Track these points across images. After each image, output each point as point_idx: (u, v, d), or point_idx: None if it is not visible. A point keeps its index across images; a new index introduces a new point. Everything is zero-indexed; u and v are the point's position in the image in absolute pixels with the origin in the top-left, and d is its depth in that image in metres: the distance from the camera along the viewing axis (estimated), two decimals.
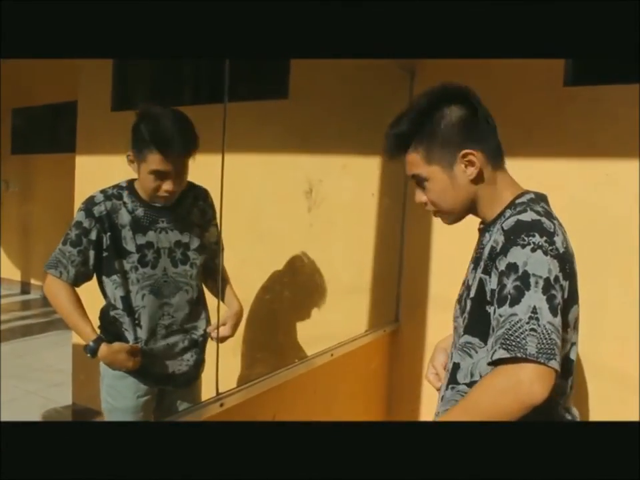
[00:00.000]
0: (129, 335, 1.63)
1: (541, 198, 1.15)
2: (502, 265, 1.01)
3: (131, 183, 1.65)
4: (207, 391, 1.74)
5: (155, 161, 1.53)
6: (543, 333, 0.94)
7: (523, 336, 0.94)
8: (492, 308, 1.04)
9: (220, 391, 1.46)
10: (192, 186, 1.73)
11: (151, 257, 1.62)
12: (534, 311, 0.95)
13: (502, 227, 1.05)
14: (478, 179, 1.13)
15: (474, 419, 0.99)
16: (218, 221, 1.74)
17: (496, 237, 1.06)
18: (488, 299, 1.07)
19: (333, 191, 2.48)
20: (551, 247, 1.00)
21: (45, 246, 6.16)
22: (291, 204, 2.59)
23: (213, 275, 1.78)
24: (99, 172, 2.93)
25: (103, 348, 1.54)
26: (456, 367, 1.17)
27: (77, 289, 1.61)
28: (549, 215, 1.08)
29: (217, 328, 1.66)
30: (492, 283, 1.05)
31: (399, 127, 1.15)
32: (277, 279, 2.58)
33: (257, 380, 1.60)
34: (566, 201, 1.96)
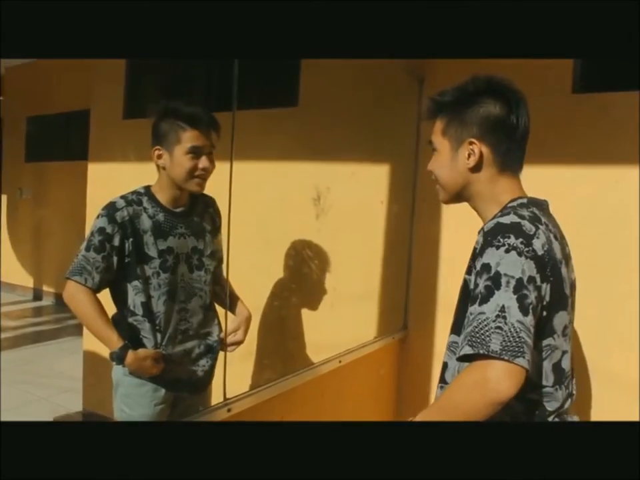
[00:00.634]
0: (148, 342, 1.62)
1: (533, 203, 1.15)
2: (478, 265, 1.04)
3: (148, 188, 1.67)
4: (214, 397, 1.75)
5: (190, 137, 1.58)
6: (510, 331, 0.95)
7: (488, 333, 0.96)
8: None
9: (228, 396, 1.46)
10: (201, 195, 1.75)
11: (171, 262, 1.63)
12: (502, 309, 0.97)
13: (483, 229, 1.08)
14: (476, 172, 1.15)
15: (448, 415, 1.01)
16: (224, 228, 1.76)
17: (478, 238, 1.08)
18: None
19: (341, 198, 2.48)
20: (527, 249, 1.01)
21: (58, 253, 6.23)
22: (299, 211, 2.60)
23: (218, 282, 1.80)
24: (111, 179, 2.96)
25: (130, 355, 1.53)
26: (445, 366, 1.19)
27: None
28: (534, 220, 1.08)
29: (225, 335, 1.67)
30: (472, 283, 1.07)
31: (441, 95, 1.20)
32: (285, 286, 2.59)
33: (264, 386, 1.60)
34: (574, 207, 1.96)
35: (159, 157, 1.62)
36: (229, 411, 1.42)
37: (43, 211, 6.15)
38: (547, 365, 1.09)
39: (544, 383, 1.09)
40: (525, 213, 1.09)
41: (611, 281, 1.94)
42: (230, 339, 1.72)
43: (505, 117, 1.13)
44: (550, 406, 1.10)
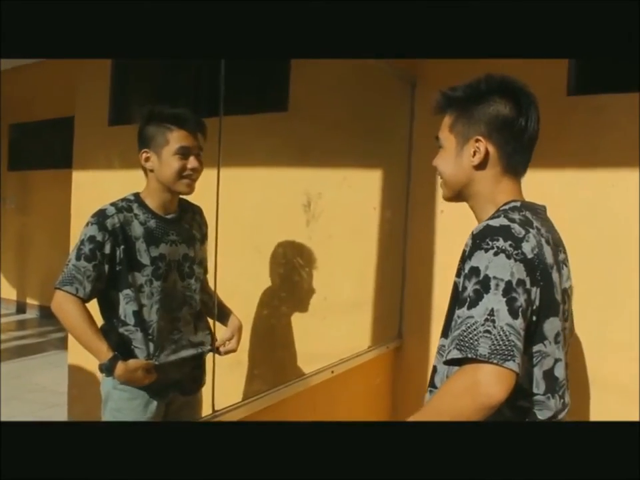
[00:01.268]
0: (141, 352, 1.58)
1: (526, 207, 1.14)
2: (467, 268, 1.04)
3: (137, 195, 1.65)
4: (203, 408, 1.71)
5: (178, 138, 1.58)
6: (500, 335, 0.95)
7: (476, 337, 0.96)
8: None
9: (216, 408, 1.45)
10: (188, 203, 1.75)
11: (163, 269, 1.61)
12: (490, 313, 0.97)
13: (472, 232, 1.08)
14: (480, 170, 1.15)
15: (438, 419, 1.00)
16: (211, 236, 1.75)
17: (467, 241, 1.08)
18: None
19: (333, 204, 2.47)
20: (515, 252, 1.01)
21: (42, 264, 6.13)
22: (289, 218, 2.58)
23: (206, 291, 1.79)
24: (95, 187, 2.94)
25: (120, 366, 1.50)
26: (434, 370, 1.18)
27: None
28: (525, 223, 1.08)
29: (213, 344, 1.66)
30: (460, 286, 1.07)
31: (452, 90, 1.19)
32: (275, 294, 2.56)
33: (254, 397, 1.59)
34: (571, 210, 1.95)
35: (147, 159, 1.61)
36: None
37: (26, 220, 6.09)
38: (537, 372, 1.08)
39: (535, 390, 1.08)
40: (516, 216, 1.09)
41: (609, 284, 1.93)
42: (223, 349, 1.73)
43: (514, 117, 1.13)
44: (541, 414, 1.08)
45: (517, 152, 1.15)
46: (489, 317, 0.96)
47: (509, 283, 0.98)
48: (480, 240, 1.03)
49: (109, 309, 1.60)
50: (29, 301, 6.16)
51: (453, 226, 2.08)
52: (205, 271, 1.79)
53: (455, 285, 1.12)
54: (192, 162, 1.59)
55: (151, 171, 1.62)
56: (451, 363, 1.00)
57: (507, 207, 1.12)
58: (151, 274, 1.59)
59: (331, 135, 2.41)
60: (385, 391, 2.36)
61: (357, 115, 2.37)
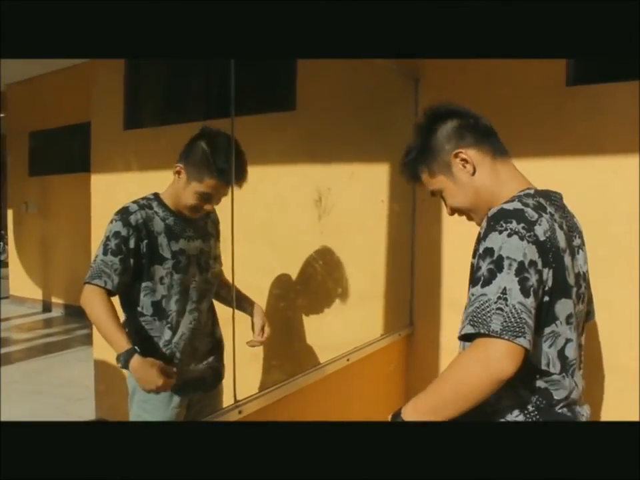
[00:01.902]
0: (159, 340, 1.65)
1: (541, 194, 1.18)
2: (481, 248, 1.07)
3: (157, 195, 1.72)
4: (225, 399, 1.77)
5: (210, 185, 1.62)
6: (512, 312, 0.98)
7: (489, 314, 0.99)
8: None
9: (238, 398, 1.48)
10: None
11: (184, 263, 1.69)
12: (503, 291, 1.00)
13: (487, 214, 1.11)
14: (478, 173, 1.20)
15: (449, 390, 1.04)
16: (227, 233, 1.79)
17: (482, 224, 1.12)
18: None
19: (342, 199, 2.51)
20: (528, 234, 1.05)
21: (65, 264, 6.23)
22: (301, 213, 2.62)
23: (224, 285, 1.85)
24: (114, 189, 2.98)
25: (136, 359, 1.48)
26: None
27: None
28: (538, 208, 1.11)
29: (233, 336, 1.68)
30: (475, 266, 1.10)
31: (408, 156, 1.27)
32: (290, 287, 2.61)
33: (274, 387, 1.62)
34: (572, 199, 1.96)
35: (178, 172, 1.67)
36: (240, 412, 1.44)
37: (48, 223, 6.20)
38: (552, 353, 1.10)
39: (551, 370, 1.10)
40: (530, 201, 1.12)
41: (611, 271, 1.93)
42: (260, 338, 1.80)
43: (463, 123, 1.21)
44: (557, 394, 1.11)
45: (487, 141, 1.21)
46: (501, 295, 0.99)
47: (521, 263, 1.02)
48: (494, 222, 1.07)
49: (129, 301, 1.66)
50: (54, 300, 6.28)
51: (459, 217, 2.12)
52: (220, 266, 1.86)
53: (472, 265, 1.14)
54: (209, 205, 1.68)
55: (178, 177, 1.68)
56: (464, 338, 1.03)
57: (521, 193, 1.16)
58: (171, 267, 1.66)
59: (338, 132, 2.44)
60: (398, 376, 2.41)
61: (363, 111, 2.39)
